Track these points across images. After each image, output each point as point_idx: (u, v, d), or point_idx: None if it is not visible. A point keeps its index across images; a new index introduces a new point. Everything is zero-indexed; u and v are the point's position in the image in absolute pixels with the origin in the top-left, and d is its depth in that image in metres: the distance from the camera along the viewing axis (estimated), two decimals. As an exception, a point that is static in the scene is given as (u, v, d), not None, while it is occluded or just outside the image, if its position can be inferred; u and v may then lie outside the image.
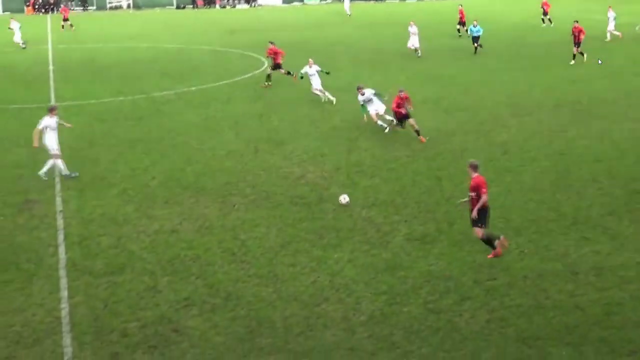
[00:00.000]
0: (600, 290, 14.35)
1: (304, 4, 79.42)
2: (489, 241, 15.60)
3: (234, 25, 62.25)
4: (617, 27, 47.39)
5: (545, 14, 57.25)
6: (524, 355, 12.20)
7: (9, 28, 51.85)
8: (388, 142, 24.49)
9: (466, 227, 17.45)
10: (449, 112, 29.29)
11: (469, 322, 13.28)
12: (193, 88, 34.76)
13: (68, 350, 12.59)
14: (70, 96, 33.52)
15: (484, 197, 15.35)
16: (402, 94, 25.04)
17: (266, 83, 35.06)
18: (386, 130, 25.99)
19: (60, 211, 19.20)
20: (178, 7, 79.97)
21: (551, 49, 42.92)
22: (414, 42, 43.67)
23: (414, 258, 15.92)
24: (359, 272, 15.28)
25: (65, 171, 21.67)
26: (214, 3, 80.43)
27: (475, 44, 43.93)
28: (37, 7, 76.38)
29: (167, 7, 79.21)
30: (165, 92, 33.85)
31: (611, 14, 47.81)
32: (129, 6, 79.61)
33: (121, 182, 21.44)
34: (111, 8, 79.12)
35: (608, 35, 47.80)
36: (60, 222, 18.46)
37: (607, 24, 47.71)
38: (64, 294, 14.65)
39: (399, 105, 24.95)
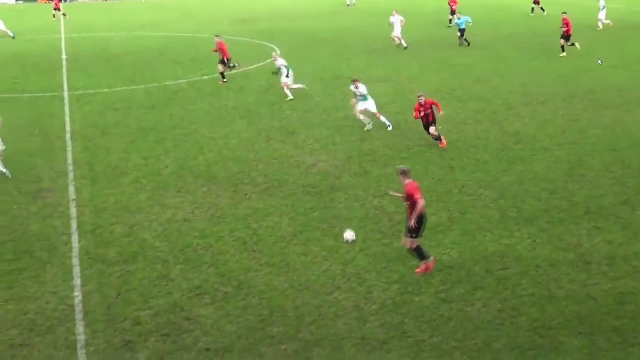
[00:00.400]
0: (613, 280, 14.34)
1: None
2: (419, 253, 14.73)
3: (245, 14, 62.17)
4: (608, 16, 47.10)
5: (536, 2, 55.71)
6: (536, 344, 12.21)
7: None
8: (401, 131, 24.47)
9: (478, 217, 17.53)
10: (462, 101, 29.18)
11: (480, 311, 13.31)
12: (205, 77, 34.78)
13: (81, 338, 12.72)
14: (83, 85, 33.63)
15: (420, 203, 14.33)
16: (421, 100, 22.86)
17: (224, 81, 33.44)
18: (366, 127, 25.19)
19: (74, 200, 19.31)
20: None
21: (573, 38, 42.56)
22: (397, 32, 42.05)
23: (426, 247, 15.91)
24: (371, 261, 15.31)
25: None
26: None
27: (460, 36, 42.38)
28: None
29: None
30: (177, 81, 33.89)
31: (601, 3, 47.18)
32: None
33: (134, 171, 21.52)
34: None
35: (600, 24, 47.08)
36: (73, 211, 18.57)
37: (597, 12, 47.23)
38: (77, 282, 14.78)
39: (420, 113, 22.92)
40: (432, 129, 22.91)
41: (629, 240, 16.09)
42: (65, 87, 33.64)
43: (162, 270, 15.21)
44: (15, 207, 19.04)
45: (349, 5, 65.77)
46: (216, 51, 33.47)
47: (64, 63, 40.15)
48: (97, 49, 44.90)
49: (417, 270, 14.73)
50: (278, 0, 72.10)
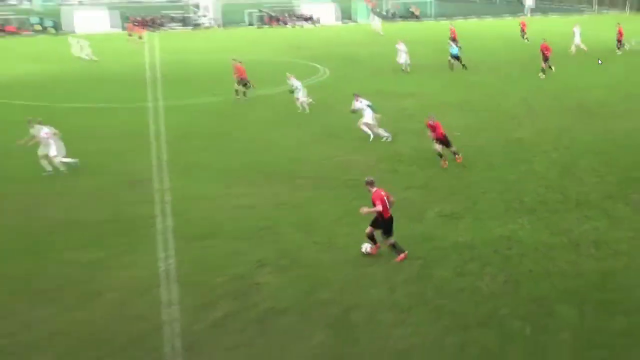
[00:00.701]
0: (598, 260, 14.26)
1: (357, 23, 78.92)
2: (397, 248, 14.55)
3: (300, 42, 62.25)
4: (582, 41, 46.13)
5: (522, 32, 56.00)
6: (534, 312, 12.23)
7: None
8: (423, 136, 24.39)
9: (487, 207, 17.48)
10: (474, 111, 29.01)
11: (488, 284, 13.35)
12: (267, 92, 34.94)
13: (168, 299, 12.96)
14: (171, 97, 33.96)
15: (377, 207, 14.29)
16: (431, 122, 21.18)
17: (239, 97, 32.75)
18: (370, 139, 24.20)
19: (163, 189, 19.61)
20: (250, 25, 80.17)
21: (559, 61, 41.93)
22: (403, 58, 40.79)
23: (444, 231, 15.95)
24: (399, 241, 15.32)
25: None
26: (285, 23, 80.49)
27: (451, 60, 40.62)
28: (137, 24, 77.35)
29: (246, 25, 79.49)
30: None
31: (577, 30, 46.17)
32: (218, 25, 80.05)
33: (210, 167, 21.75)
34: (199, 26, 79.78)
35: (573, 48, 45.76)
36: (162, 198, 18.84)
37: (572, 39, 46.14)
38: (164, 254, 15.03)
39: (433, 131, 21.15)
40: (436, 146, 21.09)
41: (611, 227, 15.97)
42: (157, 98, 33.96)
43: (232, 246, 15.44)
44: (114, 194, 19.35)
45: (382, 35, 65.46)
46: (238, 74, 33.10)
47: (153, 80, 40.52)
48: (180, 68, 45.28)
49: (396, 259, 14.42)
50: (327, 31, 72.17)
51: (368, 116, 24.37)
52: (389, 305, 12.60)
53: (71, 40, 52.78)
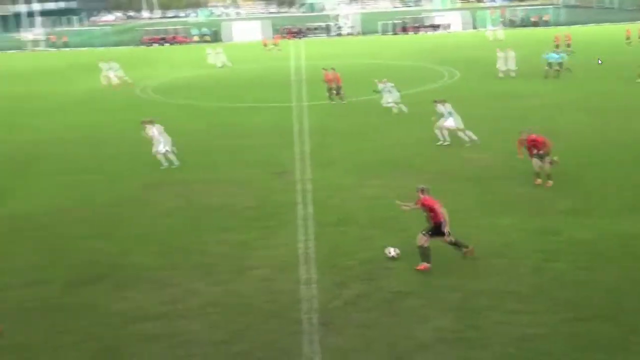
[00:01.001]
0: None
1: (482, 30, 76.48)
2: (425, 253, 13.16)
3: (429, 45, 61.33)
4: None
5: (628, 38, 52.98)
6: (656, 308, 11.26)
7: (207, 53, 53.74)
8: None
9: (615, 204, 16.32)
10: (593, 111, 27.27)
11: (612, 279, 12.43)
12: (401, 92, 34.59)
13: (308, 277, 13.12)
14: (309, 98, 34.50)
15: (442, 212, 13.22)
16: (523, 135, 18.21)
17: (334, 100, 32.34)
18: (438, 143, 23.10)
19: (304, 179, 19.90)
20: (385, 33, 79.86)
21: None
22: (504, 64, 38.27)
23: (567, 226, 15.08)
24: (520, 235, 14.75)
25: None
26: (413, 30, 79.60)
27: (551, 67, 37.32)
28: (289, 34, 79.26)
29: (380, 34, 79.37)
30: (377, 96, 33.95)
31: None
32: (357, 33, 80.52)
33: (345, 161, 21.86)
34: (340, 34, 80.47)
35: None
36: (304, 187, 19.11)
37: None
38: (304, 237, 15.23)
39: (529, 148, 18.12)
40: (535, 161, 18.14)
41: None
42: (301, 99, 34.63)
43: (364, 233, 15.40)
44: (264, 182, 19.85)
45: (501, 40, 62.90)
46: (327, 81, 32.69)
47: (294, 83, 41.32)
48: (319, 72, 45.82)
49: (418, 267, 13.15)
50: (453, 38, 70.60)
51: (450, 121, 23.20)
52: (509, 294, 12.04)
53: (208, 50, 54.55)
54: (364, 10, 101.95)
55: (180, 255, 14.53)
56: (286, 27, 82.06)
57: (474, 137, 23.11)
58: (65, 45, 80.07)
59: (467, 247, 13.59)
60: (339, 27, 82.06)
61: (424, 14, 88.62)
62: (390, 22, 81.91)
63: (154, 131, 21.80)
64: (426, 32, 79.57)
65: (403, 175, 19.77)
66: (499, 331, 10.83)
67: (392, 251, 13.75)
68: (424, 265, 13.15)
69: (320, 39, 78.61)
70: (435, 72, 42.96)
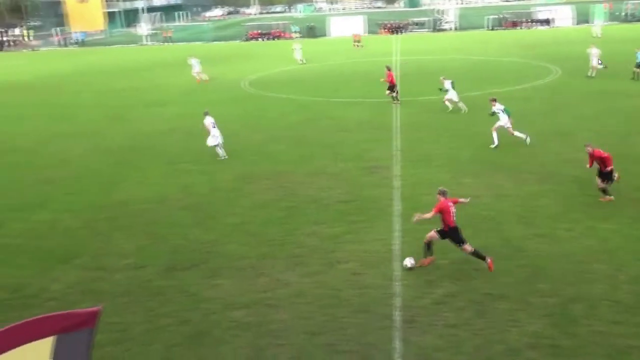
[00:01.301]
0: None
1: (592, 25, 72.74)
2: (477, 254, 12.95)
3: (531, 40, 59.15)
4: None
5: None
6: None
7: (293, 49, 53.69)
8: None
9: None
10: None
11: None
12: (496, 90, 33.66)
13: (397, 274, 13.01)
14: (407, 93, 34.12)
15: (426, 215, 13.07)
16: (588, 149, 16.55)
17: (396, 101, 31.37)
18: (492, 146, 22.16)
19: (397, 175, 19.73)
20: (487, 28, 77.73)
21: None
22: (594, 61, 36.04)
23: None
24: (624, 241, 13.96)
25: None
26: (520, 25, 76.91)
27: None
28: (387, 29, 78.87)
29: (480, 29, 77.31)
30: (475, 93, 33.16)
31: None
32: (455, 28, 78.90)
33: (439, 157, 21.48)
34: (441, 30, 79.11)
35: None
36: (396, 183, 18.97)
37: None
38: (396, 234, 15.09)
39: (600, 164, 16.40)
40: (599, 181, 16.50)
41: None
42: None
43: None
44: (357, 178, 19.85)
45: (598, 37, 59.48)
46: (386, 81, 31.79)
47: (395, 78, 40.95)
48: (419, 66, 45.35)
49: (421, 262, 13.13)
50: (560, 33, 67.70)
51: (503, 120, 22.32)
52: (611, 303, 11.43)
53: (294, 45, 54.81)
54: (465, 5, 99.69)
55: (272, 246, 14.79)
56: (383, 22, 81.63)
57: (522, 135, 22.40)
58: (170, 40, 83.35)
59: (483, 258, 12.94)
60: (439, 22, 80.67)
61: (531, 8, 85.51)
62: (493, 16, 79.59)
63: (208, 122, 22.69)
64: (532, 27, 76.67)
65: (502, 175, 19.19)
66: (597, 341, 10.30)
67: (408, 262, 13.24)
68: (428, 259, 13.12)
69: (419, 34, 77.59)
70: (538, 68, 41.36)
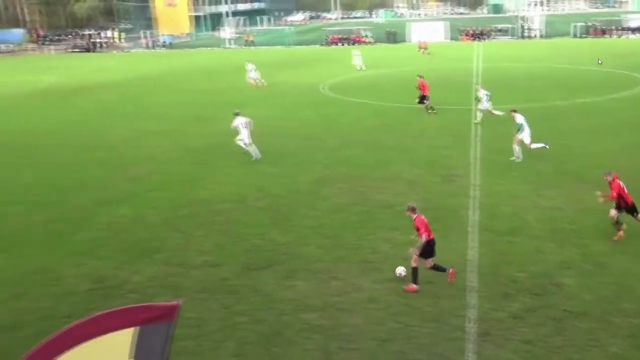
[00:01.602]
0: None
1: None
2: (436, 269, 12.72)
3: (623, 50, 56.67)
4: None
5: None
6: None
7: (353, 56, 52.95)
8: None
9: None
10: None
11: None
12: (581, 100, 32.50)
13: (472, 285, 12.74)
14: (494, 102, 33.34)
15: (422, 238, 12.53)
16: (607, 178, 14.49)
17: (431, 111, 30.53)
18: (517, 159, 21.41)
19: (475, 185, 19.33)
20: (575, 36, 75.08)
21: None
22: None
23: None
24: None
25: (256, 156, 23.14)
26: (607, 34, 73.89)
27: None
28: (469, 35, 77.54)
29: (566, 36, 74.75)
30: (559, 102, 32.10)
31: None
32: (540, 35, 76.68)
33: (519, 168, 20.82)
34: (524, 37, 77.02)
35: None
36: (474, 193, 18.61)
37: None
38: (472, 244, 14.81)
39: (619, 194, 14.29)
40: (612, 212, 14.61)
41: None
42: (473, 101, 33.63)
43: (537, 244, 14.62)
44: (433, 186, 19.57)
45: None
46: (418, 88, 30.87)
47: (474, 85, 40.19)
48: (499, 74, 44.33)
49: (405, 287, 12.62)
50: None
51: (527, 131, 21.46)
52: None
53: (354, 51, 54.32)
54: (552, 12, 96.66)
55: (347, 250, 14.79)
56: (465, 28, 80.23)
57: (540, 145, 21.82)
58: (252, 43, 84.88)
59: (444, 270, 12.73)
60: (525, 29, 78.55)
61: (622, 16, 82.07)
62: (580, 24, 76.84)
63: (238, 123, 23.25)
64: (622, 35, 73.52)
65: (585, 188, 18.40)
66: (685, 367, 9.73)
67: (401, 271, 13.03)
68: (412, 286, 12.57)
69: (502, 41, 75.82)
70: (629, 78, 39.60)
